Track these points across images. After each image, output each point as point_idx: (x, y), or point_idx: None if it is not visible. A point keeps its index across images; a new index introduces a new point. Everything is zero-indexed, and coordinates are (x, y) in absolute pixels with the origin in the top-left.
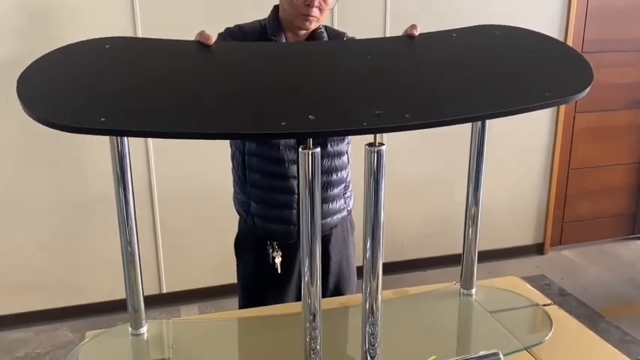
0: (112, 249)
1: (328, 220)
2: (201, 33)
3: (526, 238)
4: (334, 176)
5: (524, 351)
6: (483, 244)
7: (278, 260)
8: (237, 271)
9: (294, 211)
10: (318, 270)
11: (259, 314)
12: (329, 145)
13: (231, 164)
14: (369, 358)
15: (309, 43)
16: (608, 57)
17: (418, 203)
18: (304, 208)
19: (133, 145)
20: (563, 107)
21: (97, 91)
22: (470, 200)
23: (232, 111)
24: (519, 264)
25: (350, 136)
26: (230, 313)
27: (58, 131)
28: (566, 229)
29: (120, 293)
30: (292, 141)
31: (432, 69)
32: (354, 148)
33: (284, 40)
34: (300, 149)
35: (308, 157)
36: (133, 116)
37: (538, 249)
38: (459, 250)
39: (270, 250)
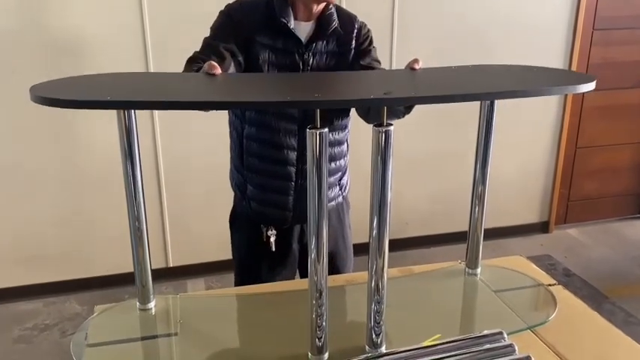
0: (119, 222)
1: None
2: (209, 64)
3: (531, 216)
4: (332, 165)
5: (528, 330)
6: (488, 221)
7: (272, 239)
8: (232, 248)
9: (291, 198)
10: (325, 247)
11: (265, 290)
12: (330, 135)
13: (230, 137)
14: (374, 335)
15: (315, 75)
16: (620, 34)
17: (423, 181)
18: (311, 186)
19: (140, 123)
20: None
21: (106, 88)
22: (477, 179)
23: (241, 91)
24: (524, 242)
25: (349, 125)
26: (236, 289)
27: (60, 109)
28: (571, 208)
29: (127, 266)
30: (294, 126)
31: (433, 80)
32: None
33: (293, 22)
34: (308, 129)
35: (316, 137)
36: (138, 95)
37: (543, 227)
38: (463, 228)
39: (265, 230)
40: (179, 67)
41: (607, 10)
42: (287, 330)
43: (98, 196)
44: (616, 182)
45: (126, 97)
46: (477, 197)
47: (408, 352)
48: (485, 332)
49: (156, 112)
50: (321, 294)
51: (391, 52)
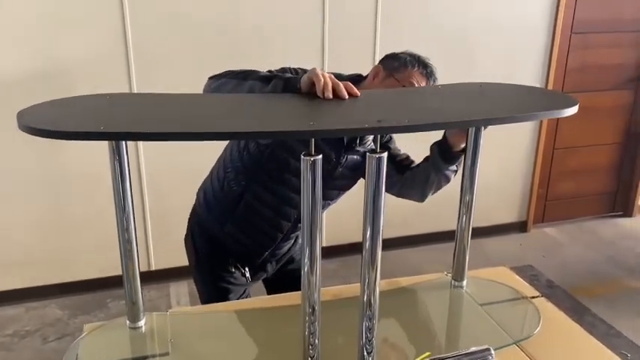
0: (101, 226)
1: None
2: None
3: (510, 216)
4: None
5: (514, 345)
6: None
7: (248, 273)
8: (199, 292)
9: (267, 253)
10: (318, 260)
11: (257, 306)
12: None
13: (215, 178)
14: (365, 353)
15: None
16: (597, 38)
17: None
18: (305, 200)
19: None
20: (551, 88)
21: (97, 115)
22: (465, 188)
23: (233, 120)
24: (503, 241)
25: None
26: (226, 304)
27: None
28: (548, 207)
29: (109, 270)
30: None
31: (423, 104)
32: None
33: None
34: (302, 155)
35: (308, 164)
36: (131, 126)
37: (521, 227)
38: (443, 228)
39: (234, 269)
40: (164, 80)
41: (584, 15)
42: (280, 347)
43: (79, 199)
44: (592, 182)
45: (121, 127)
46: (465, 206)
47: None
48: (473, 349)
49: None
50: (314, 310)
51: (374, 52)
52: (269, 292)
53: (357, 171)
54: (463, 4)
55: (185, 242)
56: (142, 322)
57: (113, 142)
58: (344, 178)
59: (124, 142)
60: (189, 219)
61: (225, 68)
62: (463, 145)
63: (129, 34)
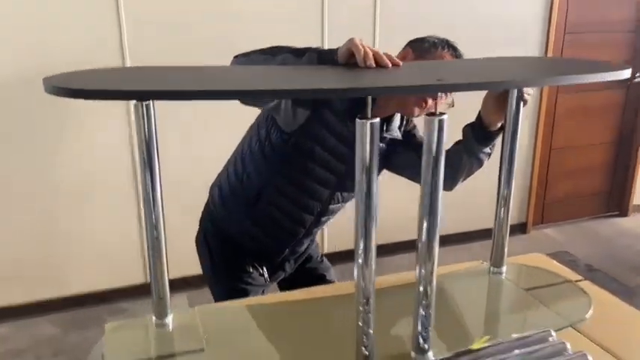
0: (91, 239)
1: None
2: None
3: (510, 218)
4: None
5: (570, 328)
6: (468, 225)
7: (266, 273)
8: (214, 296)
9: (287, 250)
10: (373, 251)
11: (293, 298)
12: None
13: (232, 173)
14: (421, 340)
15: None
16: (590, 38)
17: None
18: (360, 187)
19: (115, 132)
20: (546, 88)
21: (123, 80)
22: (502, 182)
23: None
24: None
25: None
26: (257, 299)
27: (33, 120)
28: (547, 208)
29: (104, 284)
30: (326, 192)
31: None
32: None
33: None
34: (357, 119)
35: (367, 127)
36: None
37: (521, 228)
38: (448, 232)
39: (252, 269)
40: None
41: (577, 16)
42: (323, 338)
43: (71, 210)
44: (588, 182)
45: (150, 86)
46: (503, 198)
47: (468, 356)
48: (533, 331)
49: (133, 121)
50: (368, 300)
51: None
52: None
53: (380, 161)
54: (459, 4)
55: (197, 243)
56: (169, 319)
57: (141, 110)
58: None
59: (152, 111)
60: (202, 218)
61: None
62: (500, 124)
63: (124, 37)
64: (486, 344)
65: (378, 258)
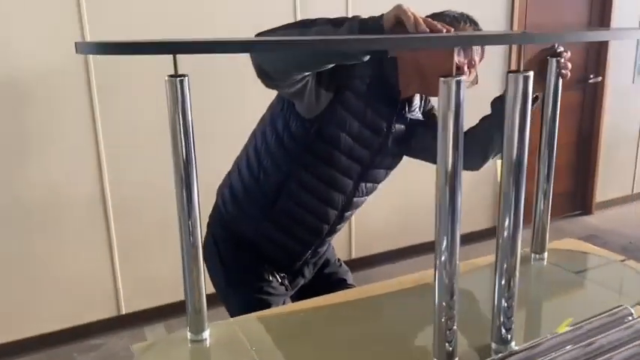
0: (64, 266)
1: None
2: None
3: (484, 222)
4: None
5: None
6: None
7: (286, 281)
8: (231, 312)
9: (309, 252)
10: (457, 244)
11: (347, 299)
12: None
13: (245, 171)
14: (504, 331)
15: None
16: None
17: (384, 195)
18: (443, 167)
19: (82, 148)
20: None
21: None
22: (541, 177)
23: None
24: (481, 248)
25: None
26: (291, 306)
27: None
28: None
29: (73, 319)
30: (349, 182)
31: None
32: None
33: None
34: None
35: (452, 85)
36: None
37: (494, 232)
38: (426, 239)
39: (270, 276)
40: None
41: (536, 18)
42: (385, 339)
43: (34, 238)
44: (554, 182)
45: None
46: (542, 192)
47: (557, 338)
48: (612, 309)
49: (101, 137)
50: (452, 296)
51: None
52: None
53: (401, 145)
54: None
55: (205, 251)
56: (206, 334)
57: (175, 87)
58: (391, 154)
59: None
60: (209, 224)
61: (201, 75)
62: (536, 94)
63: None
64: (569, 327)
65: (366, 270)
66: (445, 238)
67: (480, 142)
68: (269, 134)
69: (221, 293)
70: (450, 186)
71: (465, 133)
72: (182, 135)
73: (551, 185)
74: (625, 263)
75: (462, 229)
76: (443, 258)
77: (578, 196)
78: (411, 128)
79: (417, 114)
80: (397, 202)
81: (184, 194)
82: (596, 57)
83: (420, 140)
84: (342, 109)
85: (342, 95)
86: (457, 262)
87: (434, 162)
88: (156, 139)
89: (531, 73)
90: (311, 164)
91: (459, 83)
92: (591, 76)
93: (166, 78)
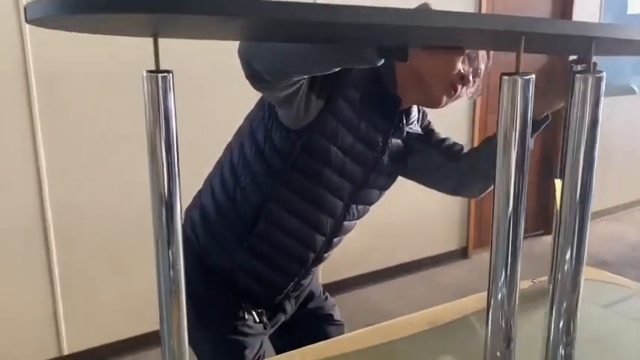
0: None
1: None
2: None
3: (452, 244)
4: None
5: None
6: (414, 254)
7: (265, 317)
8: (199, 355)
9: (292, 283)
10: (517, 281)
11: (339, 350)
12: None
13: (219, 189)
14: None
15: None
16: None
17: None
18: (502, 190)
19: (20, 168)
20: (478, 109)
21: None
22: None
23: None
24: (450, 270)
25: None
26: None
27: None
28: (484, 231)
29: None
30: (339, 203)
31: None
32: None
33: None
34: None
35: (519, 83)
36: None
37: (463, 253)
38: (396, 262)
39: (246, 314)
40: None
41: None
42: None
43: None
44: None
45: None
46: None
47: None
48: None
49: (42, 152)
50: (509, 344)
51: None
52: (280, 343)
53: (398, 162)
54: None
55: None
56: None
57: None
58: (386, 172)
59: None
60: None
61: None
62: (546, 112)
63: (28, 49)
64: None
65: (335, 296)
66: (503, 272)
67: (484, 168)
68: (248, 147)
69: (189, 332)
70: (513, 212)
71: (467, 153)
72: (163, 146)
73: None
74: None
75: (431, 250)
76: (499, 296)
77: (540, 215)
78: (409, 143)
79: (415, 127)
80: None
81: (164, 218)
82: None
83: (416, 158)
84: (334, 119)
85: (334, 104)
86: (516, 302)
87: (429, 184)
88: (106, 156)
89: (532, 76)
90: (296, 182)
91: (528, 83)
92: None
93: (144, 73)
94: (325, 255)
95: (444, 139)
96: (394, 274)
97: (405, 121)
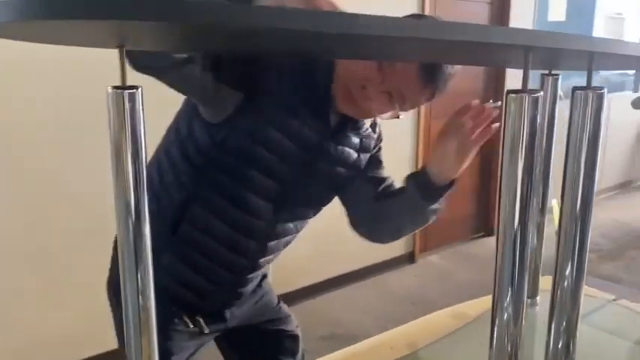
0: None
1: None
2: None
3: (399, 248)
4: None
5: None
6: (361, 260)
7: (201, 322)
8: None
9: (226, 293)
10: (523, 299)
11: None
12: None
13: (147, 189)
14: None
15: None
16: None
17: None
18: (506, 219)
19: None
20: (422, 114)
21: None
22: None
23: None
24: (397, 275)
25: None
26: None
27: None
28: (430, 235)
29: None
30: (268, 206)
31: None
32: None
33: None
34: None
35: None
36: None
37: (409, 258)
38: (344, 270)
39: (178, 319)
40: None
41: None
42: None
43: None
44: (460, 205)
45: None
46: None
47: None
48: None
49: None
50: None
51: None
52: (230, 354)
53: (339, 174)
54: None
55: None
56: None
57: (124, 101)
58: (324, 178)
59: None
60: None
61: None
62: (454, 177)
63: None
64: None
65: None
66: (509, 290)
67: (394, 217)
68: (171, 144)
69: (118, 333)
70: (519, 231)
71: (385, 198)
72: (130, 170)
73: (545, 218)
74: (617, 303)
75: (377, 257)
76: (505, 317)
77: (481, 218)
78: (358, 163)
79: (370, 140)
80: (310, 231)
81: (132, 242)
82: (495, 81)
83: (351, 181)
84: (255, 113)
85: (255, 97)
86: (522, 321)
87: (349, 210)
88: (43, 162)
89: (541, 93)
90: (220, 183)
91: (535, 101)
92: (490, 101)
93: (109, 90)
94: (261, 261)
95: (385, 179)
96: (342, 282)
97: (350, 128)
